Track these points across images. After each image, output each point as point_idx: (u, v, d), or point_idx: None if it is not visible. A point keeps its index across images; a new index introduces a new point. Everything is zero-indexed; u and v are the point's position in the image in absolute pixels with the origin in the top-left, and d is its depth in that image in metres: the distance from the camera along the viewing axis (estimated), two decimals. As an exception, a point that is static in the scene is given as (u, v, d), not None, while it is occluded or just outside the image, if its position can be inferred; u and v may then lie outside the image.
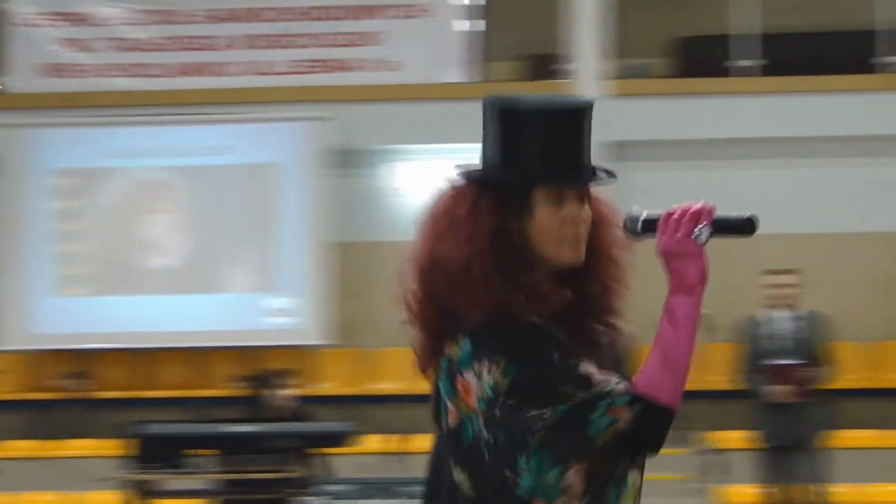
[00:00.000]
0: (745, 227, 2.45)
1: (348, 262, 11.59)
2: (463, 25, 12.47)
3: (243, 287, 11.75)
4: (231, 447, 8.35)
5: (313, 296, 11.52)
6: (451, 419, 2.50)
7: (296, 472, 8.18)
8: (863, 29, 12.29)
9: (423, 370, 2.61)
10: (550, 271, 2.48)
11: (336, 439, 8.35)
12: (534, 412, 2.41)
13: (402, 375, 10.14)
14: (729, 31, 12.14)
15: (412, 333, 2.54)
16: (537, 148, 2.49)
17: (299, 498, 8.15)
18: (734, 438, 9.69)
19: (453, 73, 12.24)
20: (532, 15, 12.46)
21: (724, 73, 12.09)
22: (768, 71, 12.00)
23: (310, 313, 11.52)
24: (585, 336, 2.51)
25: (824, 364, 9.10)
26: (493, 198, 2.46)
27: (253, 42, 11.96)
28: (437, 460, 2.57)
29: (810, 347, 9.08)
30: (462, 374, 2.45)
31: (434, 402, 2.55)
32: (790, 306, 9.13)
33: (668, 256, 2.41)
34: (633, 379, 2.45)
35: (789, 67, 12.00)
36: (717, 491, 8.59)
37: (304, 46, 12.02)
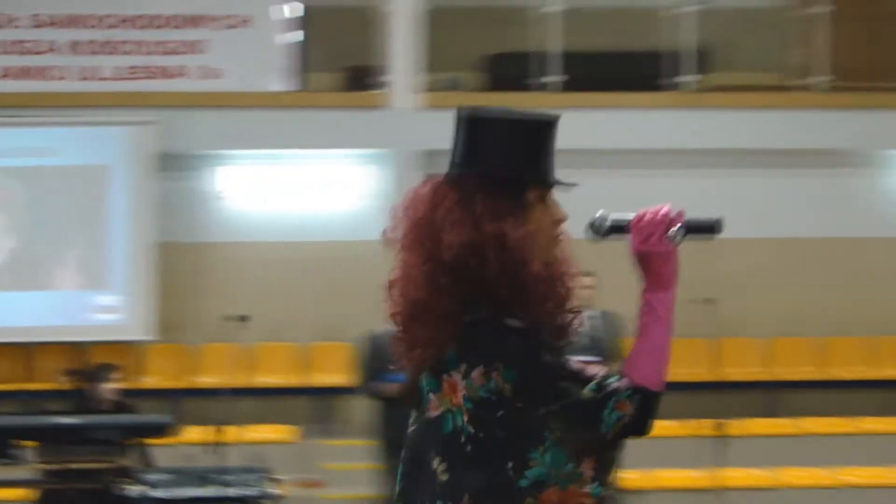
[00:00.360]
0: (713, 227, 2.66)
1: (172, 261, 11.59)
2: (284, 37, 12.48)
3: (71, 284, 11.75)
4: (57, 438, 8.29)
5: (138, 294, 11.49)
6: (433, 410, 2.64)
7: (119, 462, 8.15)
8: (651, 51, 12.59)
9: (403, 370, 2.81)
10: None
11: (157, 430, 8.33)
12: (542, 410, 2.55)
13: (220, 370, 10.56)
14: (532, 49, 12.27)
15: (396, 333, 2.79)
16: (532, 151, 2.67)
17: (122, 487, 8.10)
18: None
19: (274, 83, 12.28)
20: (350, 29, 12.48)
21: (527, 88, 12.17)
22: (567, 87, 12.14)
23: (134, 310, 11.48)
24: (563, 324, 2.68)
25: (616, 360, 9.20)
26: (483, 198, 2.60)
27: (80, 48, 11.86)
28: (415, 444, 2.73)
29: (604, 345, 8.88)
30: (449, 374, 2.59)
31: (412, 390, 2.71)
32: (588, 306, 9.43)
33: (645, 257, 2.58)
34: (624, 372, 2.58)
35: (586, 84, 12.14)
36: None
37: (131, 53, 11.94)
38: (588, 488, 2.58)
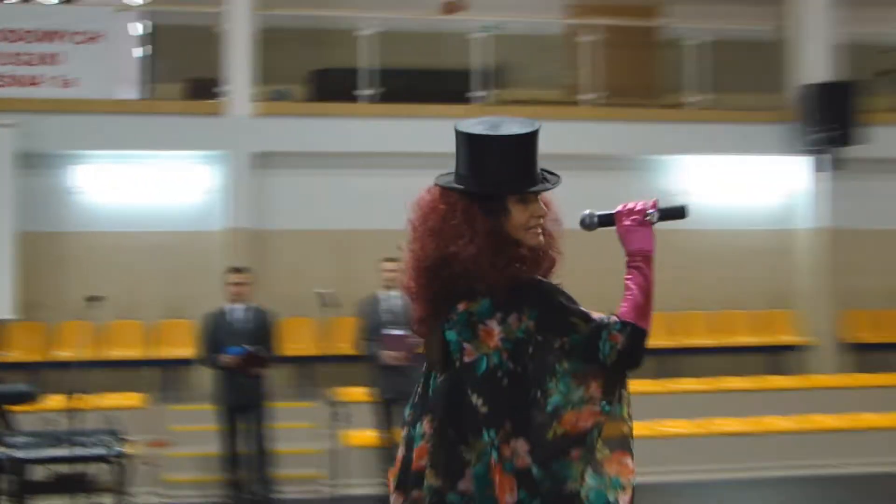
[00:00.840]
0: (682, 212, 3.09)
1: (35, 249, 11.59)
2: (134, 51, 12.71)
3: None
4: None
5: (3, 277, 11.42)
6: (467, 356, 2.91)
7: (-14, 427, 8.09)
8: (457, 69, 12.84)
9: (423, 335, 3.07)
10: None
11: (20, 398, 8.35)
12: (557, 342, 2.87)
13: (77, 344, 10.41)
14: (355, 65, 12.46)
15: (412, 309, 3.08)
16: (507, 166, 3.00)
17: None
18: (355, 393, 9.85)
19: (124, 91, 12.36)
20: (193, 46, 12.71)
21: (350, 98, 12.35)
22: (384, 98, 12.41)
23: (0, 292, 11.44)
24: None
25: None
26: (478, 206, 2.96)
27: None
28: (449, 390, 2.95)
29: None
30: (484, 323, 2.89)
31: (438, 350, 2.99)
32: (393, 287, 9.10)
33: (629, 234, 3.02)
34: (618, 312, 2.96)
35: (401, 96, 12.38)
36: (342, 435, 8.67)
37: (-2, 64, 11.84)
38: (598, 407, 2.91)
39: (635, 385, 3.03)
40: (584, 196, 12.76)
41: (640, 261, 2.98)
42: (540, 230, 3.00)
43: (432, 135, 11.40)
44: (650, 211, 2.98)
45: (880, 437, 11.41)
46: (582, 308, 2.90)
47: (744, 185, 13.20)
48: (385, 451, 9.46)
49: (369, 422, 9.52)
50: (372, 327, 9.34)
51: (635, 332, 2.89)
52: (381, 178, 12.28)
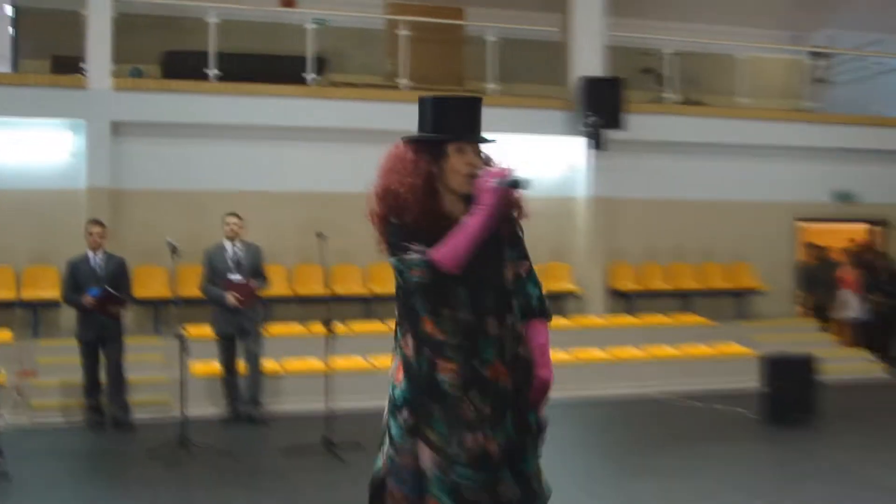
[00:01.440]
0: (521, 184, 3.37)
1: None
2: (3, 31, 12.74)
3: None
4: None
5: None
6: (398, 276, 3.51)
7: None
8: (294, 55, 13.14)
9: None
10: (458, 195, 3.39)
11: None
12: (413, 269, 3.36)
13: None
14: (204, 48, 12.66)
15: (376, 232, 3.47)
16: (452, 121, 3.35)
17: None
18: (200, 330, 10.03)
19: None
20: (59, 27, 12.74)
21: (198, 77, 12.49)
22: (228, 78, 12.60)
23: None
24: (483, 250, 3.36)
25: (261, 279, 9.82)
26: (424, 153, 3.35)
27: None
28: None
29: (251, 268, 9.75)
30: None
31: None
32: (235, 238, 9.72)
33: (481, 191, 3.34)
34: (429, 252, 3.31)
35: (243, 77, 12.59)
36: (187, 366, 8.58)
37: None
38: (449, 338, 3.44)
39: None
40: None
41: (477, 210, 3.35)
42: (470, 179, 3.35)
43: (269, 110, 12.65)
44: (499, 179, 3.30)
45: (640, 367, 12.31)
46: (410, 247, 3.36)
47: (532, 160, 13.83)
48: (225, 380, 9.83)
49: (212, 355, 9.91)
50: (215, 273, 9.63)
51: (433, 267, 3.35)
52: (224, 147, 12.67)
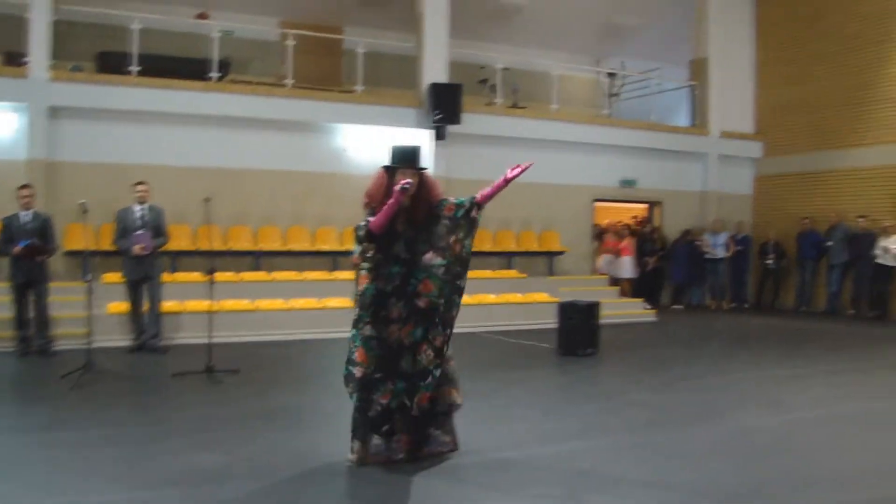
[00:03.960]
0: (405, 188, 4.63)
1: None
2: None
3: None
4: None
5: None
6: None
7: None
8: (203, 58, 12.72)
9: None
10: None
11: None
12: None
13: None
14: (125, 50, 12.18)
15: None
16: (399, 159, 4.74)
17: None
18: (112, 276, 10.15)
19: None
20: (10, 27, 11.93)
21: (124, 73, 11.99)
22: (149, 74, 12.02)
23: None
24: (416, 222, 4.71)
25: (163, 235, 9.57)
26: (387, 173, 4.75)
27: None
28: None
29: (155, 225, 9.51)
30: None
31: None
32: (143, 202, 9.48)
33: (393, 191, 4.63)
34: (368, 221, 4.69)
35: (161, 73, 11.98)
36: (93, 305, 8.14)
37: None
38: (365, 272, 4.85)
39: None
40: (284, 149, 13.23)
41: (390, 200, 4.65)
42: (405, 188, 4.57)
43: (180, 101, 12.26)
44: (402, 184, 4.58)
45: (469, 310, 11.56)
46: (367, 223, 4.68)
47: (387, 147, 13.88)
48: (131, 317, 9.62)
49: (121, 296, 9.79)
50: (125, 230, 9.48)
51: (358, 231, 4.77)
52: (142, 129, 12.22)
